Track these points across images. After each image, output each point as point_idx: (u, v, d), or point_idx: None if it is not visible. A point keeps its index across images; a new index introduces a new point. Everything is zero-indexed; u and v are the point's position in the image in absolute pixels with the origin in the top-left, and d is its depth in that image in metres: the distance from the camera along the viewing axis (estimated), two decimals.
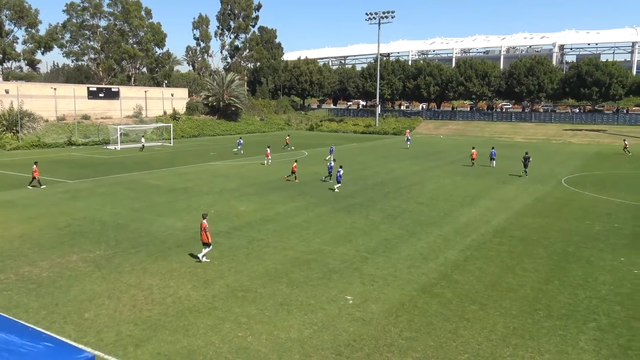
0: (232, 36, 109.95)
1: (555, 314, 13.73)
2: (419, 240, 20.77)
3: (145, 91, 77.82)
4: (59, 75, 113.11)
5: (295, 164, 35.92)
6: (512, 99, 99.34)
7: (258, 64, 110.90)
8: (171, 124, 68.49)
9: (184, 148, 58.99)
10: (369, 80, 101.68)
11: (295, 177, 35.20)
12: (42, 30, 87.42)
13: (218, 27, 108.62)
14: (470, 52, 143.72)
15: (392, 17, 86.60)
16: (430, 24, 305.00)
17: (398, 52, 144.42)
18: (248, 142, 55.52)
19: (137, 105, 75.11)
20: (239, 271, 16.83)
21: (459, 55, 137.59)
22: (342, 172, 32.20)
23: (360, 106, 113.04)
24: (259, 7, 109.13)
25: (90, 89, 71.17)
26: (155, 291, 15.04)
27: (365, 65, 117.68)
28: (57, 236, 20.75)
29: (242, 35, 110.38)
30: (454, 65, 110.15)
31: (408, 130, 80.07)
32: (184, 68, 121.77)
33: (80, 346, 10.90)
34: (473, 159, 44.72)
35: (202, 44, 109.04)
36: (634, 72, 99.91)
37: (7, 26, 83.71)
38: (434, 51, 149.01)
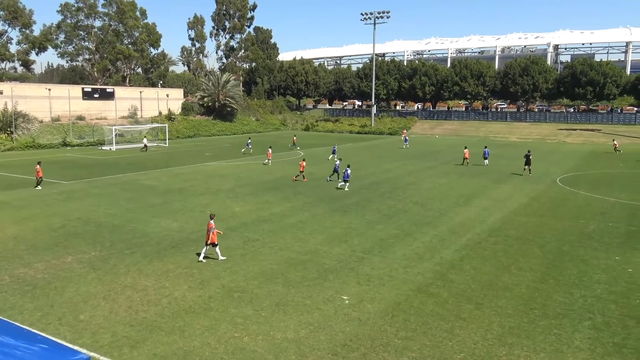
0: (228, 36, 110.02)
1: (551, 312, 13.78)
2: (415, 240, 20.80)
3: (141, 92, 77.62)
4: (53, 76, 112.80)
5: (303, 162, 36.13)
6: (507, 99, 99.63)
7: (253, 64, 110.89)
8: (166, 125, 68.36)
9: (180, 149, 58.88)
10: (365, 80, 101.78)
11: (304, 176, 35.38)
12: (37, 30, 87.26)
13: (213, 28, 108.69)
14: (466, 52, 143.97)
15: (388, 18, 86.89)
16: (425, 24, 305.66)
17: (393, 52, 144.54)
18: (246, 143, 55.40)
19: (132, 106, 74.91)
20: (235, 272, 16.80)
21: (454, 55, 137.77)
22: (349, 171, 32.64)
23: (356, 106, 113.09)
24: (254, 7, 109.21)
25: (85, 89, 70.94)
26: (151, 292, 15.00)
27: (360, 66, 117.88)
28: (51, 237, 20.67)
29: (238, 36, 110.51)
30: (449, 65, 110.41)
31: (405, 131, 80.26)
32: (179, 68, 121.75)
33: (76, 348, 10.86)
34: (466, 159, 44.94)
35: (198, 45, 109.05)
36: (628, 72, 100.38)
37: (1, 26, 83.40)
38: (429, 51, 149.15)
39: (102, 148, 58.00)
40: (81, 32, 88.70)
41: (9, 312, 13.45)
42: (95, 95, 71.07)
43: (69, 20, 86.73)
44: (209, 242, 17.64)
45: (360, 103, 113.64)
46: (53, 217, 24.04)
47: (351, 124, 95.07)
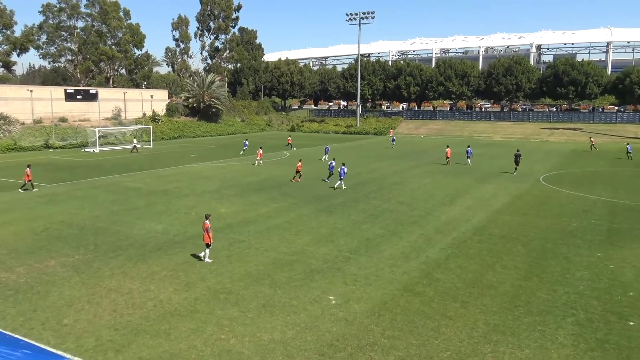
0: (212, 37, 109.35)
1: (535, 309, 13.94)
2: (401, 240, 20.90)
3: (124, 93, 76.89)
4: (35, 77, 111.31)
5: (300, 163, 36.37)
6: (491, 99, 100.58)
7: (238, 65, 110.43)
8: (151, 126, 67.79)
9: (164, 150, 58.45)
10: (350, 81, 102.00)
11: (300, 176, 35.57)
12: (18, 31, 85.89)
13: (198, 28, 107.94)
14: (450, 53, 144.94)
15: (372, 18, 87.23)
16: (410, 25, 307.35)
17: (378, 53, 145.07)
18: (232, 144, 55.19)
19: (115, 107, 74.16)
20: (221, 273, 16.73)
21: (439, 55, 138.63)
22: (345, 169, 33.02)
23: (341, 106, 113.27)
24: (239, 7, 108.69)
25: (68, 91, 70.02)
26: (136, 295, 14.87)
27: (346, 66, 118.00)
28: (34, 241, 20.38)
29: (222, 36, 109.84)
30: (433, 65, 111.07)
31: (392, 130, 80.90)
32: (164, 69, 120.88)
33: (60, 352, 10.75)
34: (448, 158, 45.38)
35: (182, 45, 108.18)
36: (609, 72, 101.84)
37: None
38: (413, 51, 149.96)
39: (86, 150, 57.36)
40: (63, 33, 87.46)
41: None
42: (78, 97, 70.20)
43: (50, 21, 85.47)
44: (207, 241, 17.75)
45: (345, 103, 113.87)
46: (35, 221, 23.71)
47: (337, 124, 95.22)
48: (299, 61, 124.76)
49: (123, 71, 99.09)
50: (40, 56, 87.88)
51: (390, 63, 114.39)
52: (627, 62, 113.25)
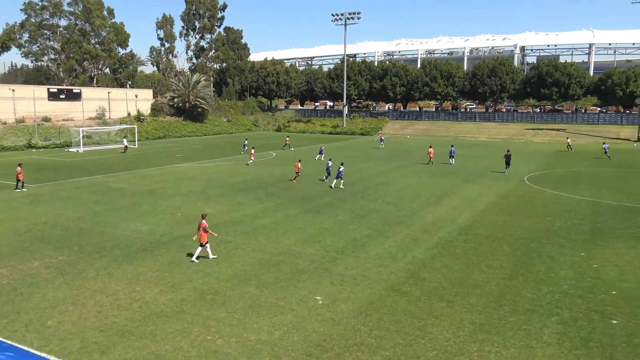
0: (198, 36, 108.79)
1: (520, 309, 14.07)
2: (387, 240, 20.97)
3: (109, 92, 76.11)
4: (17, 76, 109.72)
5: (299, 163, 36.56)
6: (475, 99, 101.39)
7: (224, 64, 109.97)
8: (135, 126, 67.24)
9: (149, 150, 57.96)
10: (336, 81, 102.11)
11: (297, 176, 35.81)
12: None
13: (183, 28, 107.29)
14: (435, 53, 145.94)
15: (358, 18, 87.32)
16: (395, 25, 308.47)
17: (364, 53, 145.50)
18: (217, 144, 54.91)
19: (100, 107, 73.38)
20: (207, 274, 16.64)
21: (424, 56, 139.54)
22: (342, 168, 33.48)
23: (328, 107, 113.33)
24: (224, 7, 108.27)
25: (51, 90, 69.13)
26: (121, 296, 14.73)
27: (332, 66, 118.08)
28: (17, 242, 20.09)
29: (208, 36, 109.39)
30: (419, 66, 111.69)
31: (380, 132, 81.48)
32: (148, 69, 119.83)
33: (44, 355, 10.61)
34: (431, 157, 45.75)
35: (167, 45, 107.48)
36: (591, 73, 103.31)
37: None
38: (399, 52, 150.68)
39: (70, 150, 56.67)
40: (46, 32, 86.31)
41: None
42: (62, 96, 69.33)
43: (33, 19, 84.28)
44: (203, 241, 17.83)
45: (331, 104, 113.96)
46: (18, 222, 23.37)
47: (323, 124, 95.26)
48: (285, 61, 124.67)
49: (107, 70, 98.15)
50: (23, 55, 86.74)
51: (376, 63, 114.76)
52: (609, 63, 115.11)
